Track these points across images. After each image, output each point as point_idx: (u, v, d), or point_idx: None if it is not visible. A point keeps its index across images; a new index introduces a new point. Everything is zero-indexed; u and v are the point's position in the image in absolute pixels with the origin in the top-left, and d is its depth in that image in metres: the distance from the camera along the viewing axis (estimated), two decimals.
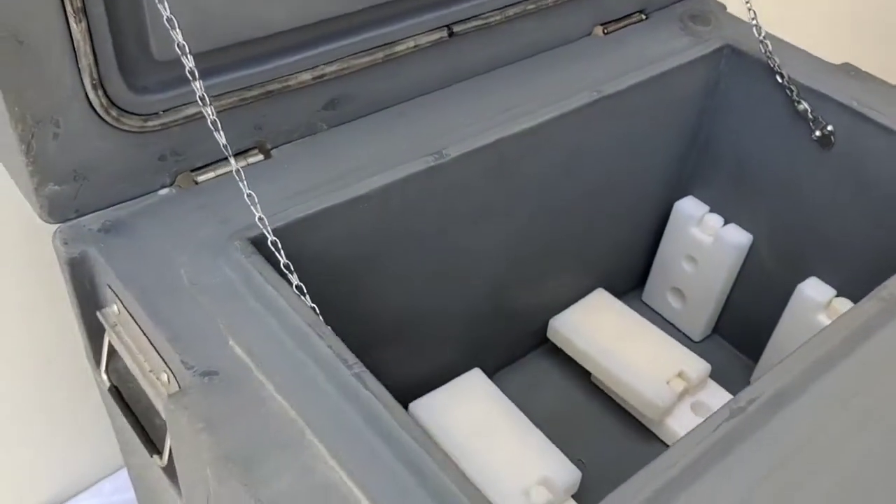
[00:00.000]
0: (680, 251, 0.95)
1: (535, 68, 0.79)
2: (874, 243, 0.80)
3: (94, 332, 0.62)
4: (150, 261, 0.57)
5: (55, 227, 0.58)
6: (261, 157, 0.66)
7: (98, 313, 0.59)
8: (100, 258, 0.57)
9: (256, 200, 0.55)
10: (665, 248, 0.96)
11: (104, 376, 0.62)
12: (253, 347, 0.52)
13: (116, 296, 0.56)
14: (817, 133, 0.81)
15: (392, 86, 0.71)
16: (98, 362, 0.62)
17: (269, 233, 0.55)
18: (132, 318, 0.55)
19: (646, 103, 0.82)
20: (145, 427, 0.59)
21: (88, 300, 0.60)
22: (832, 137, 0.80)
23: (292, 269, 0.55)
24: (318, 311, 0.53)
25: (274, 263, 0.55)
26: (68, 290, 0.60)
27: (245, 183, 0.55)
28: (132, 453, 0.71)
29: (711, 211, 0.92)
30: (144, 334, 0.54)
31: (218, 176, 0.64)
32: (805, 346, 0.53)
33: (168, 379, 0.53)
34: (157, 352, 0.53)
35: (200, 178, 0.64)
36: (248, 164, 0.66)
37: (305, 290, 0.54)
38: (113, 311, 0.58)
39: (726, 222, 0.91)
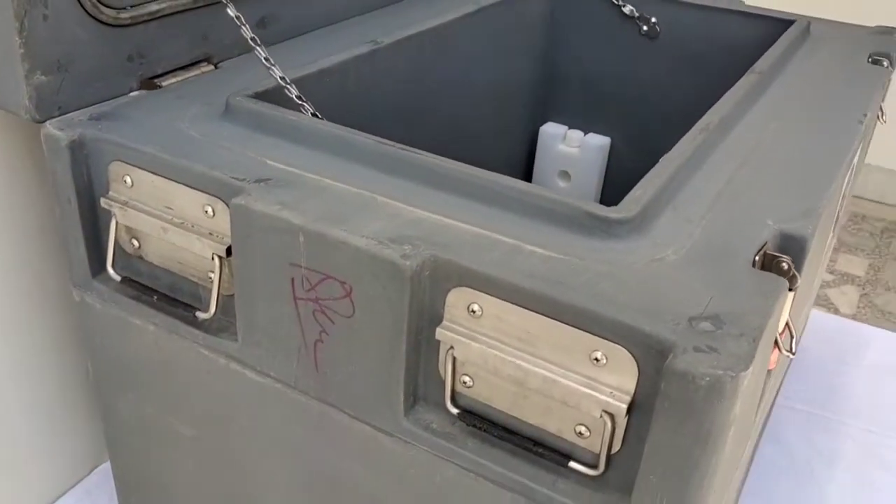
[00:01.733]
0: (553, 168, 1.07)
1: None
2: None
3: (91, 233, 0.61)
4: (154, 132, 0.58)
5: (44, 127, 0.58)
6: (211, 67, 0.70)
7: (102, 200, 0.59)
8: (102, 136, 0.58)
9: (267, 55, 0.60)
10: (539, 168, 1.09)
11: (111, 271, 0.60)
12: (291, 161, 0.55)
13: (130, 165, 0.57)
14: (644, 28, 0.98)
15: (314, 11, 0.79)
16: (102, 261, 0.61)
17: (279, 77, 0.60)
18: (156, 174, 0.56)
19: (499, 26, 0.95)
20: (176, 300, 0.59)
21: (86, 193, 0.59)
22: (657, 27, 0.98)
23: (306, 100, 0.59)
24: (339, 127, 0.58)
25: None
26: (64, 192, 0.59)
27: (261, 48, 0.60)
28: (130, 393, 0.68)
29: (570, 129, 1.07)
30: (175, 181, 0.55)
31: (178, 82, 0.67)
32: (731, 91, 0.66)
33: (212, 211, 0.54)
34: (194, 189, 0.54)
35: (164, 83, 0.66)
36: (202, 73, 0.69)
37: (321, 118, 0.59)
38: (123, 187, 0.58)
39: (585, 134, 1.06)
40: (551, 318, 0.45)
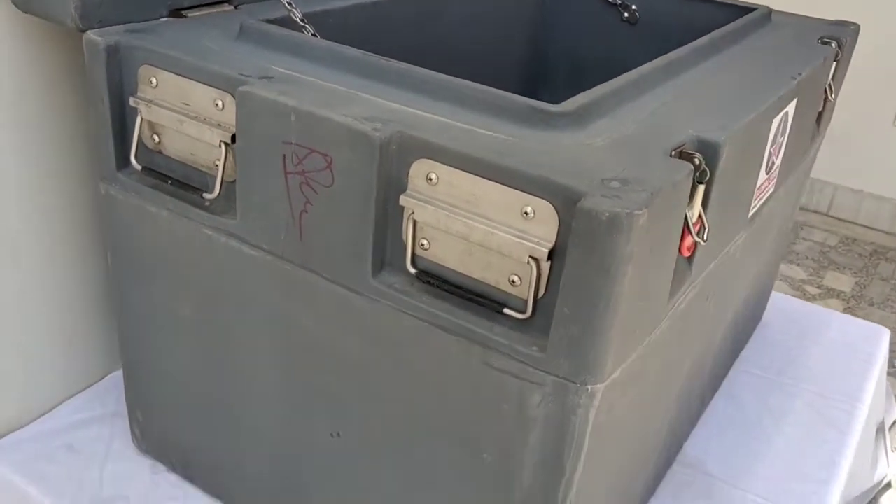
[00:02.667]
0: None
1: None
2: None
3: (119, 129, 0.71)
4: (180, 43, 0.69)
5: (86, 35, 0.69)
6: (231, 7, 0.81)
7: (131, 99, 0.69)
8: (134, 43, 0.68)
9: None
10: None
11: (134, 163, 0.71)
12: (291, 67, 0.66)
13: (156, 67, 0.67)
14: (625, 14, 1.09)
15: None
16: (126, 157, 0.71)
17: (288, 3, 0.70)
18: (176, 74, 0.66)
19: (485, 7, 1.05)
20: (188, 185, 0.69)
21: (117, 94, 0.70)
22: (636, 14, 1.08)
23: (307, 22, 0.70)
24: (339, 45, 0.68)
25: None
26: (98, 91, 0.69)
27: None
28: (144, 278, 0.78)
29: None
30: (193, 80, 0.66)
31: (201, 14, 0.78)
32: (685, 46, 0.76)
33: (222, 104, 0.65)
34: (208, 85, 0.65)
35: (189, 14, 0.77)
36: (223, 11, 0.80)
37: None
38: (149, 86, 0.68)
39: None
40: (492, 180, 0.54)
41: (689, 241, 0.61)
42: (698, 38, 0.92)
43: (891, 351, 1.81)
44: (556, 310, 0.53)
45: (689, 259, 0.64)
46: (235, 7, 0.81)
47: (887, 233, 2.32)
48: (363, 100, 0.61)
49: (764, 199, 0.81)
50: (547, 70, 1.16)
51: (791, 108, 0.78)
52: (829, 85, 0.94)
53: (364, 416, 0.67)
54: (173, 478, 0.86)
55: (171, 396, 0.82)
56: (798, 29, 0.96)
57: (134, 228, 0.75)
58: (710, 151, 0.60)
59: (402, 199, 0.58)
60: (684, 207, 0.58)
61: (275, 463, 0.77)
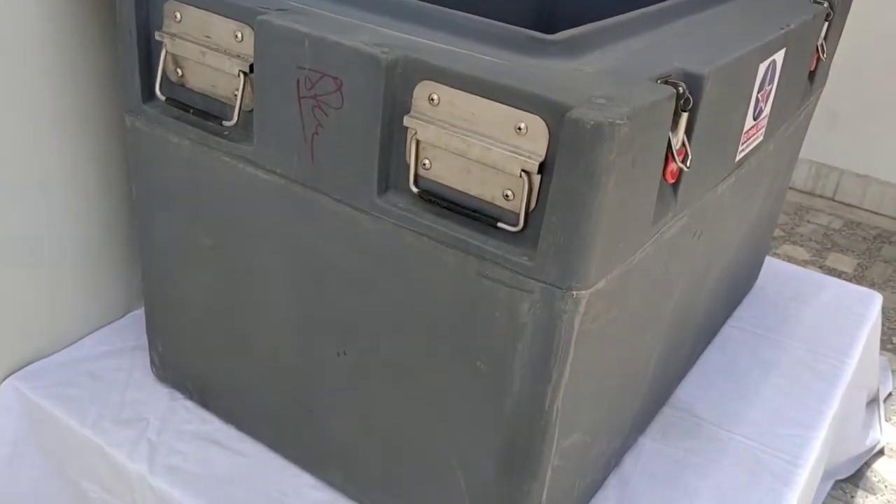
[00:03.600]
0: None
1: None
2: None
3: (145, 63, 0.76)
4: None
5: None
6: None
7: (157, 33, 0.74)
8: None
9: None
10: None
11: (158, 92, 0.76)
12: (306, 3, 0.70)
13: (180, 2, 0.72)
14: None
15: None
16: (151, 90, 0.76)
17: None
18: (199, 7, 0.71)
19: None
20: (209, 114, 0.74)
21: (143, 28, 0.75)
22: None
23: None
24: None
25: None
26: (126, 26, 0.74)
27: None
28: (165, 209, 0.83)
29: None
30: (214, 13, 0.70)
31: None
32: None
33: (241, 35, 0.69)
34: (229, 18, 0.70)
35: None
36: None
37: None
38: (173, 21, 0.73)
39: None
40: (489, 98, 0.59)
41: (673, 166, 0.65)
42: None
43: (888, 326, 1.84)
44: (544, 219, 0.58)
45: (675, 186, 0.68)
46: None
47: (891, 217, 2.34)
48: (370, 29, 0.66)
49: (753, 145, 0.85)
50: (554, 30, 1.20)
51: (779, 57, 0.82)
52: (821, 45, 0.98)
53: (368, 332, 0.72)
54: (189, 404, 0.91)
55: (189, 325, 0.87)
56: None
57: (157, 159, 0.80)
58: (694, 82, 0.64)
59: (406, 120, 0.62)
60: (667, 131, 0.62)
61: (285, 385, 0.81)
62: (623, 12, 1.12)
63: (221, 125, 0.73)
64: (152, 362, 0.94)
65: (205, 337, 0.87)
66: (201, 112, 0.74)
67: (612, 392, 0.76)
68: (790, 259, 2.10)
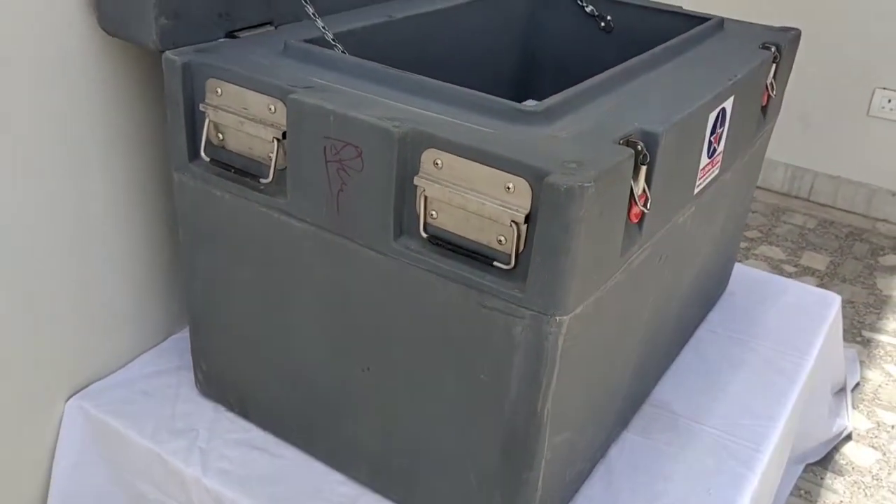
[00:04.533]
0: None
1: None
2: None
3: (191, 129, 0.90)
4: (237, 60, 0.87)
5: (165, 55, 0.88)
6: (272, 28, 1.00)
7: (200, 105, 0.88)
8: (204, 60, 0.87)
9: (314, 11, 0.89)
10: None
11: (203, 155, 0.89)
12: (326, 79, 0.84)
13: (220, 80, 0.86)
14: (602, 24, 1.27)
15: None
16: (196, 151, 0.90)
17: (322, 27, 0.89)
18: (237, 85, 0.85)
19: (489, 17, 1.24)
20: (247, 173, 0.88)
21: (189, 101, 0.89)
22: (611, 24, 1.27)
23: (336, 41, 0.88)
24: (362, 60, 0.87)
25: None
26: (175, 99, 0.88)
27: (309, 5, 0.89)
28: (211, 250, 0.97)
29: None
30: (251, 90, 0.84)
31: (250, 35, 0.96)
32: (641, 56, 0.95)
33: (274, 108, 0.83)
34: (263, 94, 0.83)
35: (241, 35, 0.96)
36: (266, 31, 0.99)
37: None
38: (215, 95, 0.87)
39: None
40: (483, 164, 0.72)
41: (635, 209, 0.79)
42: (663, 43, 1.10)
43: (857, 320, 1.99)
44: (531, 260, 0.72)
45: (639, 224, 0.82)
46: (275, 27, 1.00)
47: (863, 215, 2.49)
48: (383, 103, 0.80)
49: (709, 178, 0.99)
50: (536, 73, 1.35)
51: (728, 104, 0.96)
52: (771, 83, 1.12)
53: (388, 351, 0.86)
54: (231, 415, 1.05)
55: (230, 346, 1.01)
56: (744, 36, 1.14)
57: (201, 208, 0.93)
58: (651, 140, 0.78)
59: (416, 180, 0.76)
60: (629, 183, 0.76)
61: (316, 397, 0.95)
62: (595, 48, 1.27)
63: (258, 182, 0.87)
64: (197, 380, 1.07)
65: (244, 357, 1.00)
66: (240, 171, 0.88)
67: (596, 395, 0.90)
68: (767, 259, 2.24)
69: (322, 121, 0.79)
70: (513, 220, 0.72)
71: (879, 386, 1.77)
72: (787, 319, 1.34)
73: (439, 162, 0.75)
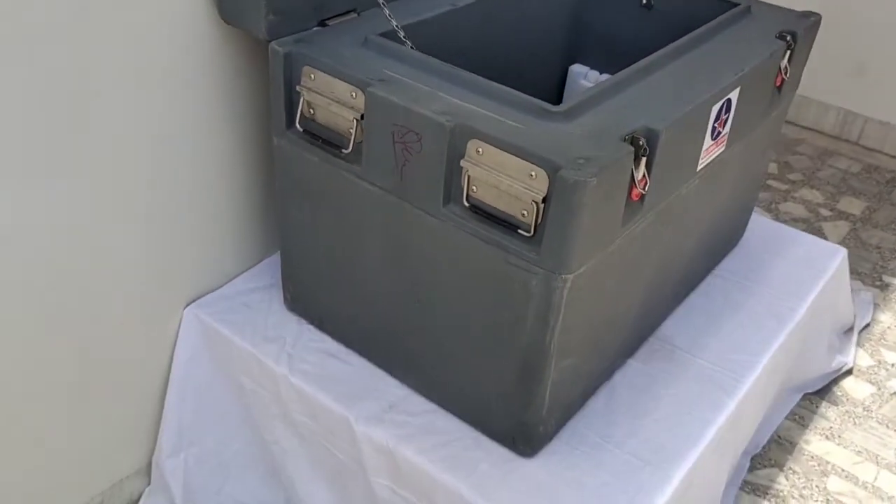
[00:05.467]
0: None
1: None
2: None
3: (289, 104, 1.13)
4: (327, 51, 1.09)
5: (271, 44, 1.10)
6: (356, 14, 1.20)
7: (297, 87, 1.10)
8: (301, 51, 1.09)
9: (389, 12, 1.09)
10: (567, 96, 1.56)
11: (298, 126, 1.12)
12: (397, 71, 1.05)
13: (312, 68, 1.08)
14: (643, 1, 1.43)
15: None
16: (292, 121, 1.13)
17: (395, 25, 1.09)
18: (327, 73, 1.07)
19: None
20: (331, 143, 1.10)
21: (289, 82, 1.11)
22: (651, 2, 1.43)
23: (405, 35, 1.09)
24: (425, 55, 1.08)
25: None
26: (276, 76, 1.11)
27: (386, 7, 1.09)
28: (299, 201, 1.21)
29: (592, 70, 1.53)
30: (337, 78, 1.06)
31: (338, 23, 1.17)
32: (664, 49, 1.13)
33: (355, 95, 1.05)
34: (347, 83, 1.05)
35: (330, 23, 1.17)
36: (350, 18, 1.19)
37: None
38: (309, 79, 1.09)
39: (601, 74, 1.52)
40: (513, 154, 0.94)
41: (636, 191, 0.99)
42: (693, 25, 1.26)
43: (879, 265, 2.14)
44: (545, 231, 0.93)
45: (640, 201, 1.02)
46: (359, 14, 1.21)
47: None
48: (440, 98, 1.01)
49: (713, 156, 1.17)
50: (585, 42, 1.52)
51: (735, 94, 1.14)
52: (785, 67, 1.28)
53: (435, 291, 1.10)
54: (312, 328, 1.31)
55: (312, 274, 1.26)
56: (766, 22, 1.29)
57: (295, 167, 1.17)
58: (653, 136, 0.98)
59: (462, 163, 0.98)
60: (630, 171, 0.96)
61: (379, 318, 1.20)
62: (636, 24, 1.44)
63: (340, 151, 1.10)
64: (285, 298, 1.34)
65: (323, 283, 1.26)
66: (326, 141, 1.11)
67: (599, 332, 1.13)
68: (805, 202, 2.39)
69: (391, 111, 1.00)
70: (533, 200, 0.94)
71: (888, 328, 1.95)
72: (791, 269, 1.53)
73: (480, 150, 0.96)
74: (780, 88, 1.32)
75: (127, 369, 1.31)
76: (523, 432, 1.11)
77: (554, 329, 1.00)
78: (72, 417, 1.26)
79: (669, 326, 1.38)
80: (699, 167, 1.15)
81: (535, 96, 1.00)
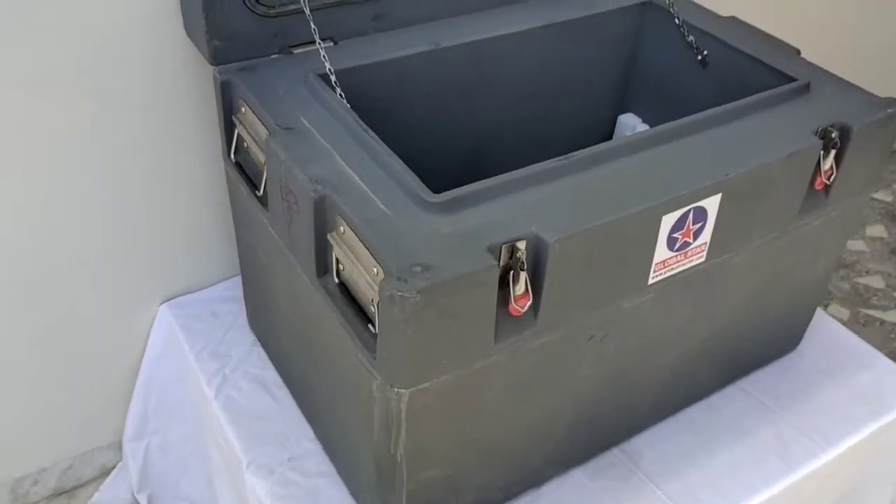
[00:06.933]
0: None
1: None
2: None
3: (228, 133, 1.08)
4: (263, 85, 1.02)
5: (213, 69, 1.06)
6: (332, 43, 1.12)
7: (233, 117, 1.06)
8: (238, 81, 1.03)
9: (326, 56, 1.01)
10: None
11: (232, 158, 1.08)
12: (315, 119, 0.97)
13: (244, 101, 1.02)
14: (699, 57, 1.21)
15: (414, 12, 1.16)
16: (229, 151, 1.09)
17: (328, 65, 1.00)
18: (251, 111, 1.01)
19: (587, 36, 1.23)
20: (253, 181, 1.05)
21: (228, 109, 1.06)
22: (707, 59, 1.20)
23: (336, 82, 1.00)
24: (348, 105, 0.98)
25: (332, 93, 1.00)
26: (218, 103, 1.06)
27: (321, 45, 1.01)
28: (243, 226, 1.17)
29: (643, 122, 1.33)
30: (259, 119, 1.00)
31: (305, 52, 1.10)
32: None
33: (265, 137, 0.98)
34: (262, 123, 0.99)
35: (296, 51, 1.10)
36: (325, 46, 1.11)
37: (346, 98, 0.99)
38: (241, 112, 1.04)
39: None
40: (362, 243, 0.83)
41: (513, 307, 0.84)
42: (743, 92, 1.04)
43: None
44: (377, 339, 0.82)
45: (529, 315, 0.86)
46: (336, 43, 1.13)
47: None
48: (331, 161, 0.91)
49: (681, 269, 0.96)
50: (636, 89, 1.32)
51: (710, 202, 0.92)
52: (830, 168, 1.02)
53: (321, 355, 1.01)
54: (262, 352, 1.28)
55: (260, 298, 1.23)
56: (819, 108, 1.04)
57: (235, 194, 1.13)
58: (542, 248, 0.82)
59: (329, 237, 0.88)
60: (493, 288, 0.81)
61: (297, 364, 1.14)
62: (690, 78, 1.21)
63: (255, 190, 1.04)
64: (248, 314, 1.32)
65: (266, 310, 1.22)
66: (248, 178, 1.06)
67: (483, 446, 0.98)
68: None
69: (278, 165, 0.93)
70: (372, 299, 0.82)
71: None
72: (840, 400, 1.25)
73: (343, 229, 0.86)
74: (827, 191, 1.06)
75: (102, 348, 1.36)
76: None
77: (398, 440, 0.89)
78: (46, 379, 1.34)
79: (643, 440, 1.18)
80: (652, 280, 0.95)
81: (575, 146, 0.90)
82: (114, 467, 1.48)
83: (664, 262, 0.94)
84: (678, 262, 0.96)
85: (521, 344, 0.89)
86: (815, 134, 1.00)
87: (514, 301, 0.83)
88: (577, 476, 1.13)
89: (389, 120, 1.14)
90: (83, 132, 1.17)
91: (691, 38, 1.21)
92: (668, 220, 0.90)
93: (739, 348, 1.22)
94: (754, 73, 1.13)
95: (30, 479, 1.42)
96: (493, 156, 1.25)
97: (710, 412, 1.23)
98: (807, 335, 1.34)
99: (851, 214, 1.15)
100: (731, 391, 1.26)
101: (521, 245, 0.82)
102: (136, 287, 1.34)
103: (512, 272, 0.82)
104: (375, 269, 0.81)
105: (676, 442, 1.18)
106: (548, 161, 0.91)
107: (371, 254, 0.82)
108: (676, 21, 1.22)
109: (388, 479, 0.94)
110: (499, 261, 0.81)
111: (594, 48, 1.26)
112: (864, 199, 1.14)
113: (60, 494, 1.47)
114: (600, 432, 1.13)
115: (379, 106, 1.12)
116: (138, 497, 1.43)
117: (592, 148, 0.93)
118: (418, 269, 0.78)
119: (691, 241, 0.95)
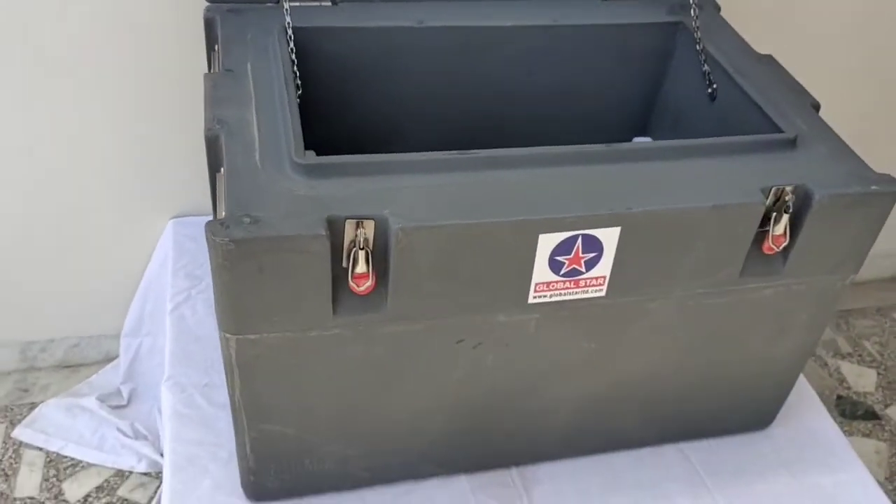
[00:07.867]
0: None
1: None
2: None
3: (210, 68, 1.14)
4: (237, 29, 1.07)
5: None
6: (330, 3, 1.14)
7: (210, 52, 1.11)
8: (218, 20, 1.09)
9: (289, 9, 1.03)
10: None
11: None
12: (255, 68, 1.00)
13: (215, 42, 1.07)
14: (709, 90, 1.11)
15: None
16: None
17: (288, 18, 1.03)
18: (214, 50, 1.06)
19: (603, 47, 1.17)
20: None
21: (211, 42, 1.12)
22: (715, 93, 1.10)
23: (291, 36, 1.02)
24: (294, 61, 1.00)
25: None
26: (206, 37, 1.13)
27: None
28: None
29: None
30: (213, 58, 1.04)
31: (299, 5, 1.13)
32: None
33: None
34: (215, 68, 1.03)
35: (290, 4, 1.13)
36: (321, 4, 1.14)
37: (295, 53, 1.02)
38: (214, 50, 1.09)
39: None
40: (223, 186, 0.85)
41: (353, 286, 0.83)
42: (744, 130, 0.99)
43: None
44: None
45: (377, 299, 0.85)
46: (335, 3, 1.15)
47: None
48: (243, 106, 0.93)
49: (572, 297, 0.90)
50: (648, 110, 1.24)
51: (606, 233, 0.86)
52: (782, 234, 0.92)
53: None
54: None
55: None
56: (785, 169, 0.93)
57: None
58: (389, 232, 0.80)
59: (216, 175, 0.92)
60: (325, 258, 0.80)
61: None
62: (702, 110, 1.12)
63: None
64: None
65: None
66: None
67: (337, 416, 0.97)
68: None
69: (205, 101, 0.97)
70: None
71: None
72: (783, 498, 1.12)
73: (222, 170, 0.89)
74: (784, 259, 0.95)
75: (116, 249, 1.49)
76: (242, 475, 1.04)
77: (234, 385, 0.91)
78: (62, 261, 1.48)
79: (549, 470, 1.13)
80: (534, 300, 0.90)
81: None
82: (116, 357, 1.62)
83: (547, 284, 0.89)
84: (567, 288, 0.90)
85: (370, 326, 0.88)
86: (763, 192, 0.90)
87: (352, 279, 0.83)
88: (461, 483, 1.10)
89: (372, 89, 1.16)
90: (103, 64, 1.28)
91: (706, 68, 1.11)
92: (548, 241, 0.85)
93: (683, 408, 1.13)
94: (752, 117, 1.03)
95: (38, 346, 1.58)
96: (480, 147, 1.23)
97: (635, 464, 1.15)
98: (784, 418, 1.21)
99: (826, 295, 1.02)
100: (669, 451, 1.17)
101: (369, 225, 0.81)
102: (151, 201, 1.44)
103: (354, 250, 0.82)
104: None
105: (582, 482, 1.11)
106: (445, 152, 0.89)
107: (224, 197, 0.84)
108: (697, 48, 1.13)
109: (236, 422, 0.97)
110: (343, 235, 0.81)
111: (609, 60, 1.19)
112: (842, 282, 1.00)
113: (65, 367, 1.62)
114: (491, 446, 1.09)
115: (362, 74, 1.14)
116: (122, 388, 1.55)
117: (500, 150, 0.90)
118: (247, 220, 0.79)
119: (582, 269, 0.89)
